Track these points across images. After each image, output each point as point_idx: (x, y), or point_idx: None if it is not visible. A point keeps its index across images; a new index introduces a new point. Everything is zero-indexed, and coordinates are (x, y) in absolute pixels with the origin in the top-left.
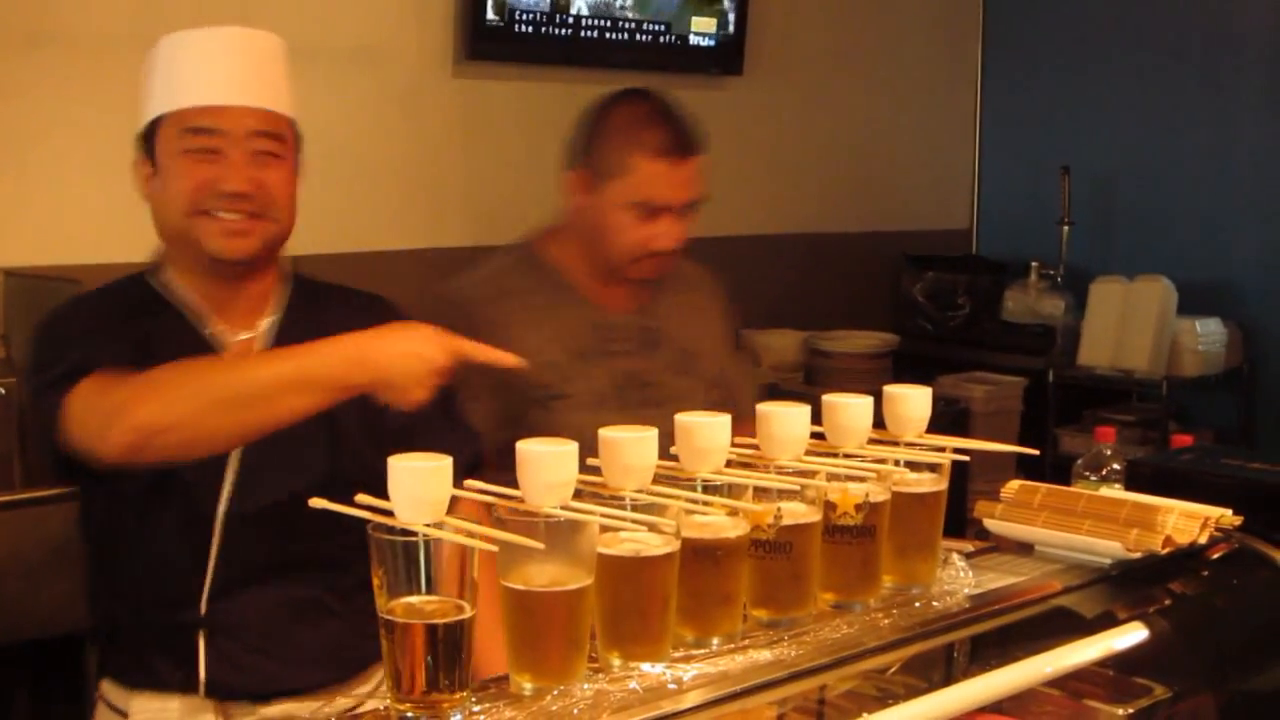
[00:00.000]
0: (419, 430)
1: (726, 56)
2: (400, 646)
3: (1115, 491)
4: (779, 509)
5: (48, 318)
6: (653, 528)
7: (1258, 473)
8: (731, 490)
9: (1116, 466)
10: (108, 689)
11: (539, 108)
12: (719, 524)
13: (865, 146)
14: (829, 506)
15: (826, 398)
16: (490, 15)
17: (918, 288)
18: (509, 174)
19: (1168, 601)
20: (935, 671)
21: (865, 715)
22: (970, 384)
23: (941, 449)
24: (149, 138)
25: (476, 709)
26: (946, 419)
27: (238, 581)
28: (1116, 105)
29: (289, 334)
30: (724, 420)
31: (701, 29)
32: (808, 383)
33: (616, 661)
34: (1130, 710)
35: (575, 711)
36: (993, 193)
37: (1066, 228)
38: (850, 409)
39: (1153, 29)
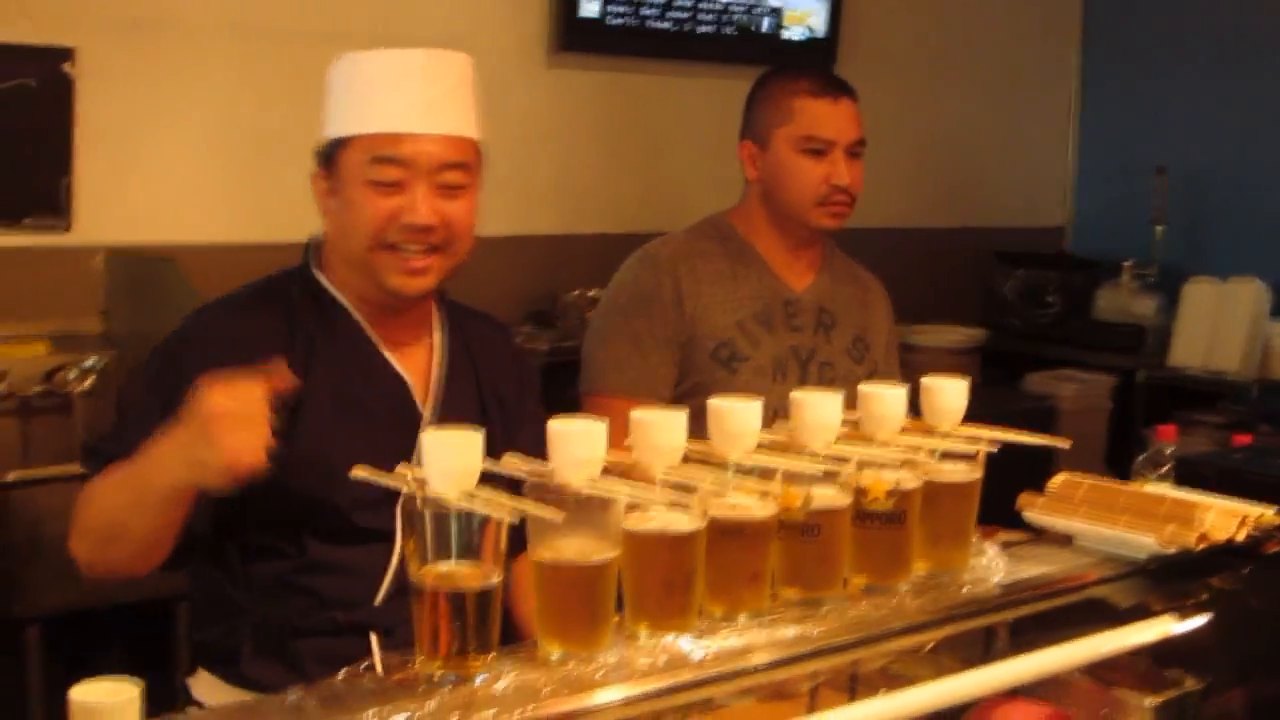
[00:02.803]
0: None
1: (819, 52)
2: (431, 610)
3: (1162, 488)
4: (808, 493)
5: (181, 331)
6: (676, 506)
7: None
8: (761, 474)
9: None
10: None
11: (630, 100)
12: (747, 505)
13: (958, 143)
14: (860, 492)
15: (862, 387)
16: (584, 8)
17: (1008, 285)
18: (599, 164)
19: (1205, 596)
20: (966, 655)
21: (884, 690)
22: (1059, 382)
23: (975, 439)
24: (330, 154)
25: (504, 672)
26: (1033, 416)
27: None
28: (1213, 105)
29: (453, 356)
30: (755, 405)
31: (795, 24)
32: (901, 377)
33: (644, 633)
34: (1158, 700)
35: (597, 676)
36: (1088, 191)
37: (1160, 227)
38: (884, 399)
39: (1250, 29)
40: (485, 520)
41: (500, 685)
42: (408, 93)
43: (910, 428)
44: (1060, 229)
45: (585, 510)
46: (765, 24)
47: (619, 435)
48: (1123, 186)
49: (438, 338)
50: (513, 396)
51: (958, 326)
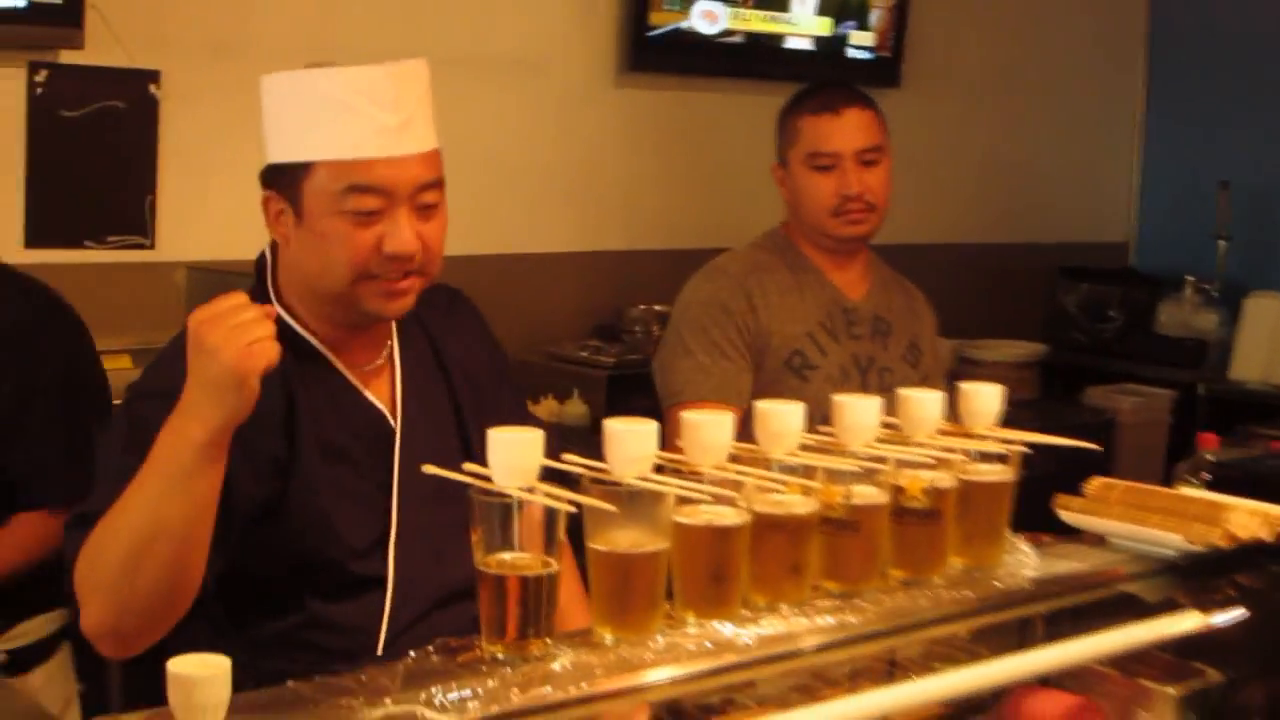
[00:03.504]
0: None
1: (884, 70)
2: (494, 596)
3: (1196, 491)
4: (849, 490)
5: (145, 369)
6: (720, 500)
7: None
8: (805, 471)
9: None
10: None
11: (698, 118)
12: (790, 501)
13: (1023, 160)
14: (898, 490)
15: (900, 391)
16: (651, 28)
17: (1071, 299)
18: (668, 181)
19: (1232, 593)
20: (1001, 646)
21: (913, 675)
22: (1119, 395)
23: (1008, 442)
24: (290, 178)
25: (560, 654)
26: (1093, 429)
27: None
28: (1277, 120)
29: (415, 363)
30: (797, 407)
31: (860, 43)
32: None
33: (691, 619)
34: (1182, 691)
35: (648, 658)
36: (1152, 207)
37: (1223, 242)
38: (921, 402)
39: None
40: (545, 513)
41: (557, 665)
42: (377, 113)
43: (949, 430)
44: (1124, 244)
45: (637, 504)
46: (830, 42)
47: None
48: (1187, 202)
49: (396, 345)
50: (485, 373)
51: (1018, 341)
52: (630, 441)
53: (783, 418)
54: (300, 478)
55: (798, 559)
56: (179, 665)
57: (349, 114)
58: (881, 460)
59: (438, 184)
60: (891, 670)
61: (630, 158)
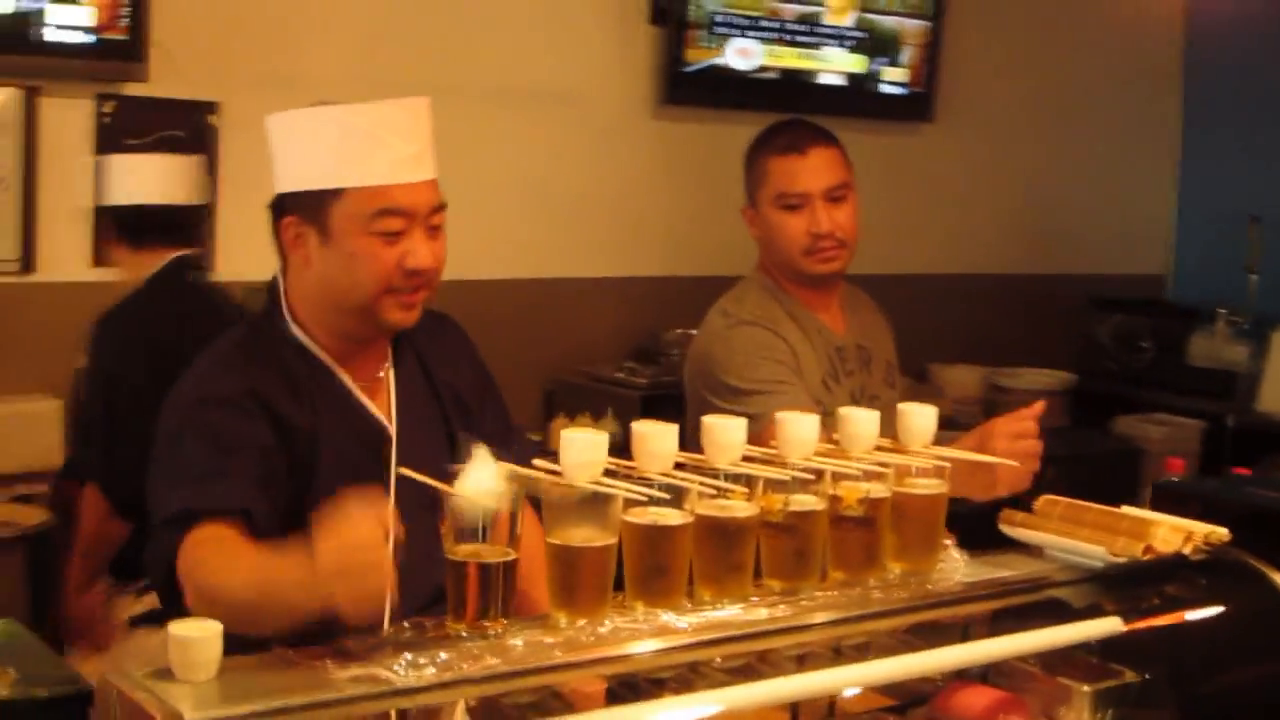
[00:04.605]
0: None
1: (917, 104)
2: (457, 580)
3: (1134, 510)
4: (787, 498)
5: (189, 381)
6: (656, 502)
7: (1265, 499)
8: (747, 480)
9: None
10: None
11: (732, 150)
12: (733, 506)
13: (1056, 192)
14: (835, 499)
15: (840, 410)
16: (687, 64)
17: (1103, 330)
18: (705, 211)
19: (1156, 601)
20: (927, 641)
21: (843, 662)
22: (1148, 425)
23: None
24: (317, 203)
25: (516, 633)
26: (1120, 457)
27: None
28: None
29: (407, 376)
30: (740, 423)
31: (892, 79)
32: (986, 416)
33: (640, 609)
34: (1095, 688)
35: (593, 639)
36: (1187, 240)
37: (1255, 276)
38: (859, 420)
39: None
40: (503, 511)
41: (514, 642)
42: (399, 144)
43: (885, 446)
44: (1160, 277)
45: (591, 504)
46: (864, 77)
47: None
48: (1222, 235)
49: (391, 362)
50: (469, 390)
51: (1047, 370)
52: (581, 448)
53: (727, 431)
54: (319, 480)
55: (739, 558)
56: (178, 627)
57: (376, 145)
58: (815, 472)
59: (443, 208)
60: (836, 656)
61: (666, 187)
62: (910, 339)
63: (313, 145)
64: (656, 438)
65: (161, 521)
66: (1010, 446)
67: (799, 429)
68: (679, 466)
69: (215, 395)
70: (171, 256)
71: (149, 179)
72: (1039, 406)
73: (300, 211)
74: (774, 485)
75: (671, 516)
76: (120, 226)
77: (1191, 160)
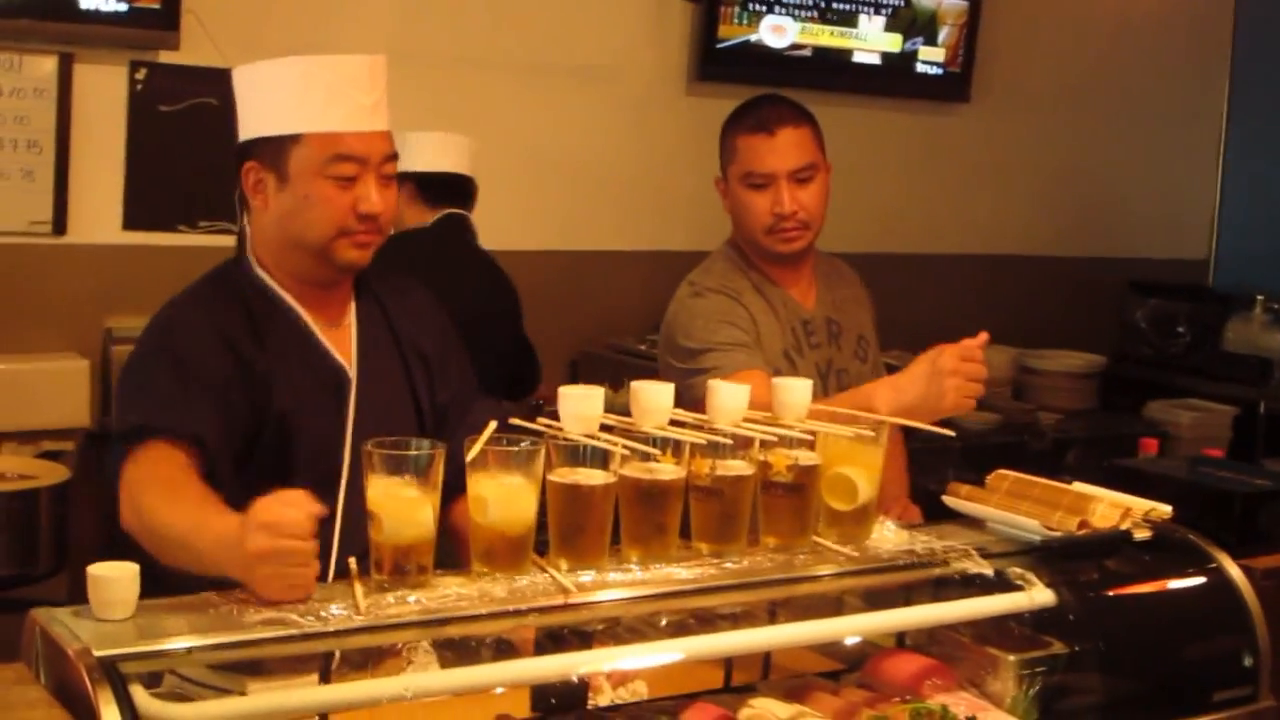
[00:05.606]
0: (456, 405)
1: (953, 85)
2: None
3: (1082, 486)
4: (714, 462)
5: (165, 311)
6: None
7: (1209, 478)
8: (672, 443)
9: None
10: None
11: None
12: (659, 469)
13: (1095, 175)
14: (765, 465)
15: (775, 380)
16: (721, 40)
17: (1140, 314)
18: None
19: (1094, 576)
20: (853, 606)
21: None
22: (1179, 410)
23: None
24: (276, 149)
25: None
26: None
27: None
28: None
29: (369, 322)
30: (665, 387)
31: (929, 58)
32: (1015, 398)
33: (564, 566)
34: (1020, 658)
35: (506, 593)
36: (1231, 226)
37: None
38: (791, 389)
39: None
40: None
41: (425, 593)
42: (356, 95)
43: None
44: (1204, 262)
45: (519, 462)
46: (900, 57)
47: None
48: (1266, 222)
49: (353, 307)
50: (434, 350)
51: (1078, 353)
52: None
53: (654, 395)
54: (277, 421)
55: (663, 520)
56: (97, 569)
57: (334, 94)
58: (737, 438)
59: (395, 157)
60: (771, 617)
61: (698, 163)
62: (944, 319)
63: (275, 94)
64: (581, 399)
65: (117, 434)
66: (957, 366)
67: (728, 397)
68: (605, 428)
69: (184, 325)
70: (445, 212)
71: (449, 152)
72: (984, 336)
73: (261, 157)
74: (702, 449)
75: (594, 477)
76: (422, 187)
77: (1236, 145)
